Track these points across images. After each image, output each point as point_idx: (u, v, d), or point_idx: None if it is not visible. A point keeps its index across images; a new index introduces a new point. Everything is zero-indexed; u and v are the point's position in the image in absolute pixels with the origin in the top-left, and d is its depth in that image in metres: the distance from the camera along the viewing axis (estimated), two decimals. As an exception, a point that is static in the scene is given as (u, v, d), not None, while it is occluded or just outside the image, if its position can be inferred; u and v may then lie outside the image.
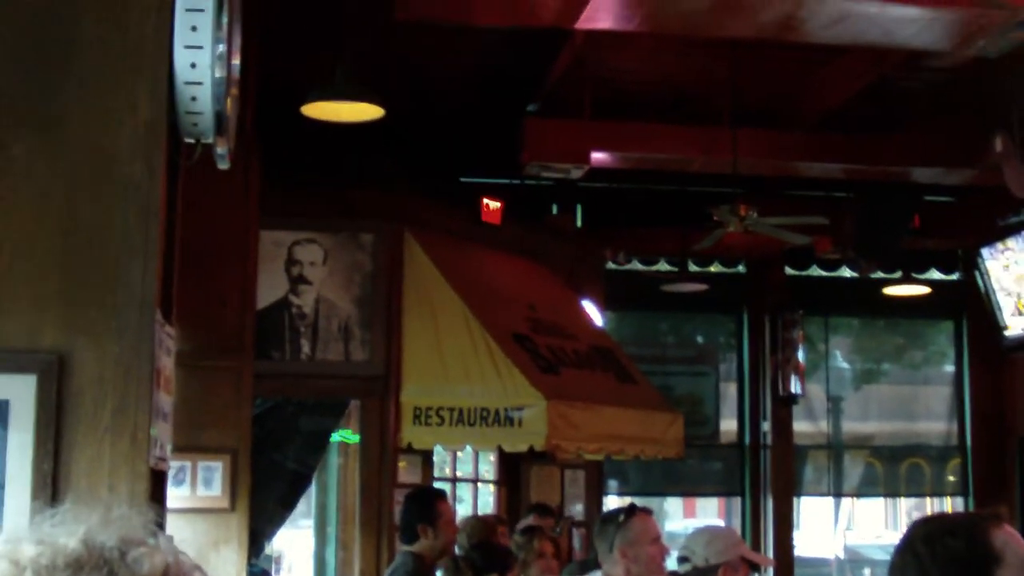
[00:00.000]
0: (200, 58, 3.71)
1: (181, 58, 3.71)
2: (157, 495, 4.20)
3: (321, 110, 9.12)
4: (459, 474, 12.91)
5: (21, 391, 3.66)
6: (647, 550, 5.41)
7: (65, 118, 3.73)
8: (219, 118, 3.84)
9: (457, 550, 7.72)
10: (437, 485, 12.00)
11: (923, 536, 2.78)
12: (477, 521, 9.21)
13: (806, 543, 18.31)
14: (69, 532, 1.53)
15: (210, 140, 3.94)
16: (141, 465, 3.71)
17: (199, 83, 3.73)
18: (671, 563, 5.44)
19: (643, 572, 5.44)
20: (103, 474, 3.67)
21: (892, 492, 18.24)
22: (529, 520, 10.41)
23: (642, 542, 5.42)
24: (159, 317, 3.83)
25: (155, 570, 1.53)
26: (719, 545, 4.95)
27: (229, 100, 3.91)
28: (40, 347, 3.66)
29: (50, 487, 3.61)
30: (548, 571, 8.11)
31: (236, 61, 4.01)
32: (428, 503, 7.49)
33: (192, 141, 3.99)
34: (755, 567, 5.33)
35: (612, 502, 15.16)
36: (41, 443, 3.66)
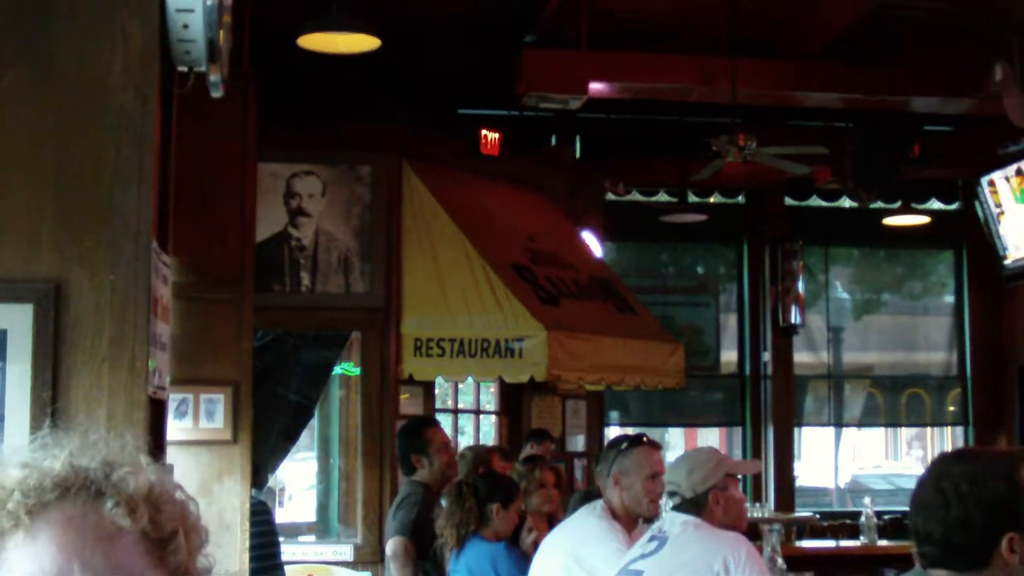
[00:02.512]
0: (191, -14, 3.71)
1: (172, -14, 3.71)
2: (156, 424, 4.22)
3: (317, 41, 9.08)
4: (460, 405, 12.98)
5: (18, 320, 3.68)
6: (641, 483, 5.41)
7: (55, 48, 3.72)
8: (211, 46, 3.83)
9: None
10: (438, 416, 12.08)
11: (967, 476, 2.78)
12: (472, 452, 9.27)
13: (807, 473, 18.41)
14: (52, 456, 1.55)
15: (203, 68, 3.94)
16: (140, 394, 3.74)
17: (190, 10, 3.72)
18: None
19: (633, 504, 5.44)
20: (102, 403, 3.70)
21: (892, 422, 18.30)
22: (528, 449, 10.48)
23: (637, 474, 5.42)
24: (155, 246, 3.84)
25: (140, 489, 1.55)
26: (701, 473, 4.88)
27: (221, 28, 3.91)
28: (36, 276, 3.68)
29: (49, 416, 3.62)
30: (549, 500, 8.16)
31: (228, -11, 4.00)
32: (416, 433, 7.56)
33: (185, 69, 3.99)
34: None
35: (614, 433, 15.23)
36: (39, 372, 3.68)
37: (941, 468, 2.87)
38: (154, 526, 1.54)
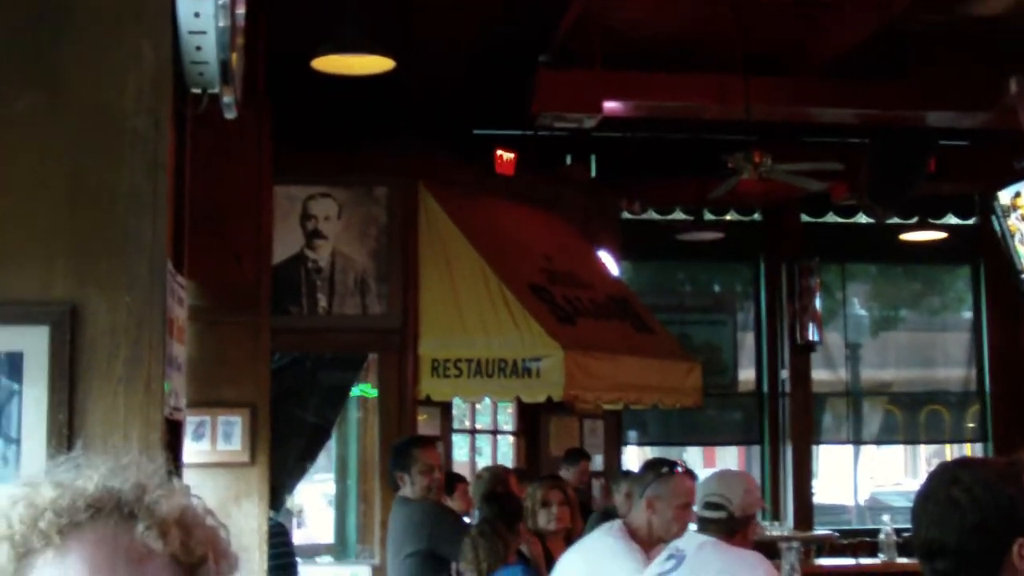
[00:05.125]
0: (204, 7, 3.71)
1: (184, 7, 3.72)
2: (173, 444, 4.23)
3: (332, 63, 9.10)
4: (478, 425, 12.96)
5: (34, 343, 3.69)
6: (673, 510, 5.41)
7: (68, 71, 3.74)
8: (224, 67, 3.84)
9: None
10: (455, 437, 12.09)
11: (979, 481, 2.79)
12: (489, 472, 9.26)
13: (825, 491, 18.35)
14: (86, 477, 1.55)
15: (216, 89, 3.95)
16: (156, 415, 3.74)
17: (203, 32, 3.73)
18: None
19: (661, 529, 5.42)
20: (118, 424, 3.70)
21: (911, 439, 18.26)
22: (574, 470, 10.47)
23: (672, 501, 5.42)
24: (170, 267, 3.85)
25: (172, 512, 1.56)
26: (751, 498, 4.92)
27: (234, 49, 3.92)
28: (52, 298, 3.69)
29: (65, 438, 3.63)
30: (553, 519, 8.08)
31: (240, 10, 4.02)
32: (404, 451, 7.56)
33: (198, 91, 4.00)
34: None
35: (631, 452, 15.21)
36: (55, 394, 3.68)
37: (947, 476, 2.86)
38: (185, 550, 1.54)
